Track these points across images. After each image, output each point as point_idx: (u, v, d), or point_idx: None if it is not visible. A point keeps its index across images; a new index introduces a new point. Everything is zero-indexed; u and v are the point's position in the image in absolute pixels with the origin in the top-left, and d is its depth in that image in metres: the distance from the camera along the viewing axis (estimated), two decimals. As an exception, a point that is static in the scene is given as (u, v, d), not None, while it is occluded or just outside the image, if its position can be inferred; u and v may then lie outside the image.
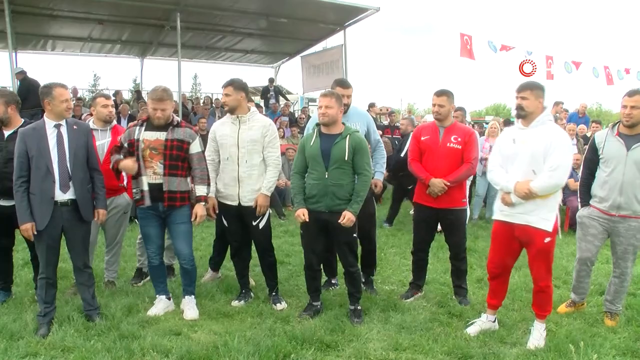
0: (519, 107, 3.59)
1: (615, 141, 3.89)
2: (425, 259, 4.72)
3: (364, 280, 4.52)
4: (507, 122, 12.51)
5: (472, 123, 15.78)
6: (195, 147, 4.03)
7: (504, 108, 65.54)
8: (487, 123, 14.40)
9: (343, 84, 4.50)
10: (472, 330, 3.85)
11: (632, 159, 3.82)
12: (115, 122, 4.77)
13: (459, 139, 4.38)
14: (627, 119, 3.81)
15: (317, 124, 4.09)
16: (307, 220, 3.99)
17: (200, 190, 4.04)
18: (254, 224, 4.28)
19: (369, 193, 4.13)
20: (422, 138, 4.46)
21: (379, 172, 4.67)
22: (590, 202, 4.08)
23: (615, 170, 3.86)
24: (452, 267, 4.62)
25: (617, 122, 4.03)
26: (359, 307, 4.13)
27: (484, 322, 3.89)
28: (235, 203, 4.25)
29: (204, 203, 4.05)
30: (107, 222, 4.59)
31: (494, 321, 3.93)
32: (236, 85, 4.21)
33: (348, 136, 3.94)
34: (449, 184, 4.26)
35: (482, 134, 9.35)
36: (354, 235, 4.06)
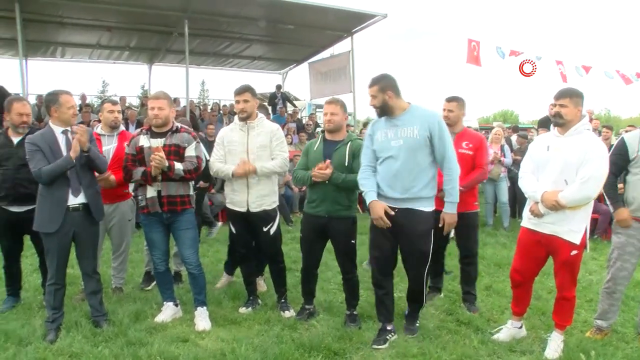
0: (558, 115, 3.45)
1: None
2: (442, 262, 4.78)
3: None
4: (516, 129, 12.47)
5: (479, 129, 15.69)
6: (189, 151, 4.00)
7: (512, 114, 65.32)
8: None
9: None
10: (502, 336, 3.81)
11: None
12: (122, 127, 4.80)
13: (470, 145, 4.38)
14: None
15: (322, 130, 4.17)
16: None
17: (177, 164, 3.88)
18: (265, 230, 4.27)
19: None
20: None
21: (449, 202, 3.65)
22: None
23: None
24: (462, 272, 4.59)
25: None
26: (354, 312, 4.14)
27: (510, 328, 3.85)
28: (243, 209, 4.23)
29: (167, 163, 3.80)
30: (112, 228, 4.64)
31: (520, 327, 3.88)
32: (252, 91, 4.25)
33: (350, 142, 4.01)
34: (462, 188, 4.22)
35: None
36: (352, 242, 4.06)
